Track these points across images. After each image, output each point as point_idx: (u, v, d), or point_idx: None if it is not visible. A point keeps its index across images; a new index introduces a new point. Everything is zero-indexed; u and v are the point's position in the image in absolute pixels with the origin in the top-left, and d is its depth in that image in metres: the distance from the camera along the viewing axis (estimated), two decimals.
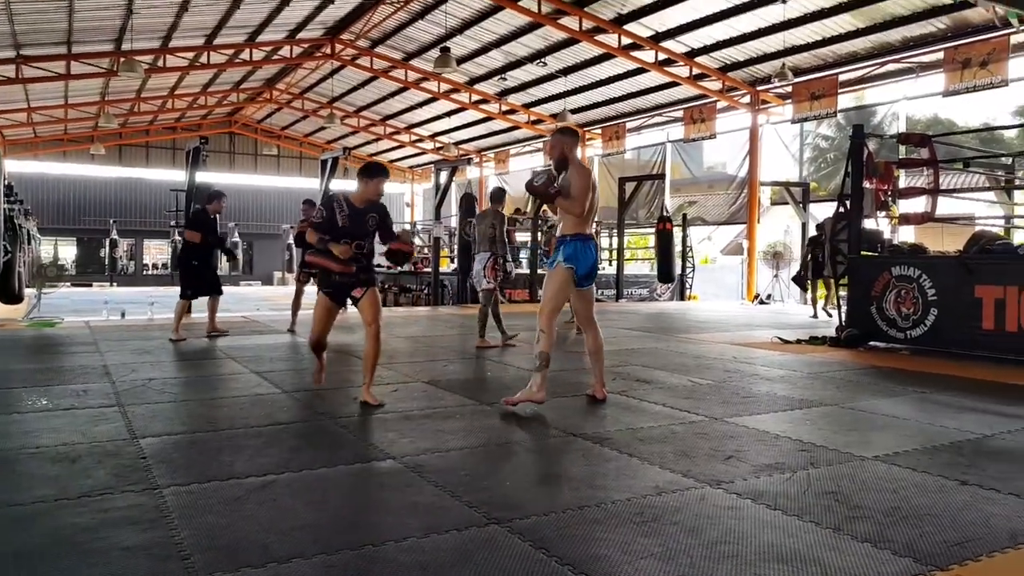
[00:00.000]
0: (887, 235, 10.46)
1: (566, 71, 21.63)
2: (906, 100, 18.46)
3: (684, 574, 2.62)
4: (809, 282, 15.45)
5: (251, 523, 3.06)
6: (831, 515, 3.22)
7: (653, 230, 20.06)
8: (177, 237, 26.25)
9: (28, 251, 15.86)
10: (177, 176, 29.41)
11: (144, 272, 38.51)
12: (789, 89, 18.82)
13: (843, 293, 10.25)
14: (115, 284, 31.83)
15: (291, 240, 11.12)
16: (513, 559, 2.75)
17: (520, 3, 17.89)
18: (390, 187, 36.88)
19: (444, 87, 25.22)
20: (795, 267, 18.25)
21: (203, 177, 12.60)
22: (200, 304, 10.13)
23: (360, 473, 3.84)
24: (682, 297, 20.23)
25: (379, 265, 22.74)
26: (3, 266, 12.10)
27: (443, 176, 17.57)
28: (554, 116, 23.59)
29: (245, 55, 23.55)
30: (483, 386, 6.33)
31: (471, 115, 27.42)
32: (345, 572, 2.63)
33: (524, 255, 19.98)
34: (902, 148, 11.13)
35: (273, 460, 3.98)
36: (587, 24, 18.39)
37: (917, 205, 10.13)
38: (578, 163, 5.42)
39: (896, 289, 8.96)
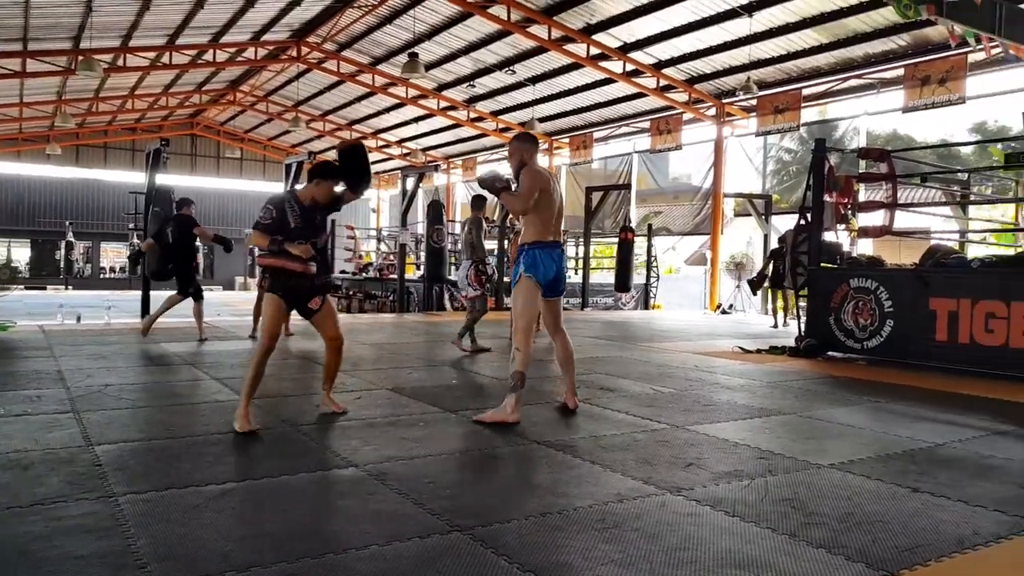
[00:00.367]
0: (846, 248, 10.64)
1: (535, 79, 21.72)
2: (867, 115, 18.79)
3: None
4: (768, 290, 15.73)
5: (210, 531, 3.03)
6: (787, 521, 3.27)
7: (616, 239, 20.20)
8: (136, 240, 25.93)
9: None
10: (137, 178, 28.96)
11: (101, 275, 37.80)
12: (754, 102, 19.07)
13: (803, 304, 10.39)
14: (71, 287, 31.23)
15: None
16: (475, 566, 2.76)
17: (489, 10, 17.93)
18: None
19: (412, 93, 25.18)
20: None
21: (164, 179, 12.38)
22: (179, 310, 10.12)
23: (322, 481, 3.82)
24: (646, 306, 20.39)
25: (343, 271, 22.70)
26: None
27: (410, 182, 17.51)
28: (522, 124, 23.66)
29: (208, 56, 23.34)
30: (448, 394, 6.32)
31: (439, 121, 27.41)
32: None
33: (491, 262, 19.99)
34: (862, 162, 11.32)
35: (233, 468, 3.96)
36: (556, 33, 18.49)
37: (876, 218, 10.30)
38: (533, 168, 5.27)
39: (854, 300, 9.12)
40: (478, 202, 9.49)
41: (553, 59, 20.17)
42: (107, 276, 37.80)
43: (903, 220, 11.16)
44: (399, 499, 3.49)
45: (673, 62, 19.10)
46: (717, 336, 12.10)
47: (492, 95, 23.97)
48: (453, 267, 20.86)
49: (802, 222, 9.99)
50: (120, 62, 22.03)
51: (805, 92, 18.22)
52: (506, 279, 15.83)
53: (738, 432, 5.04)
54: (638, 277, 20.96)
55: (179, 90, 28.65)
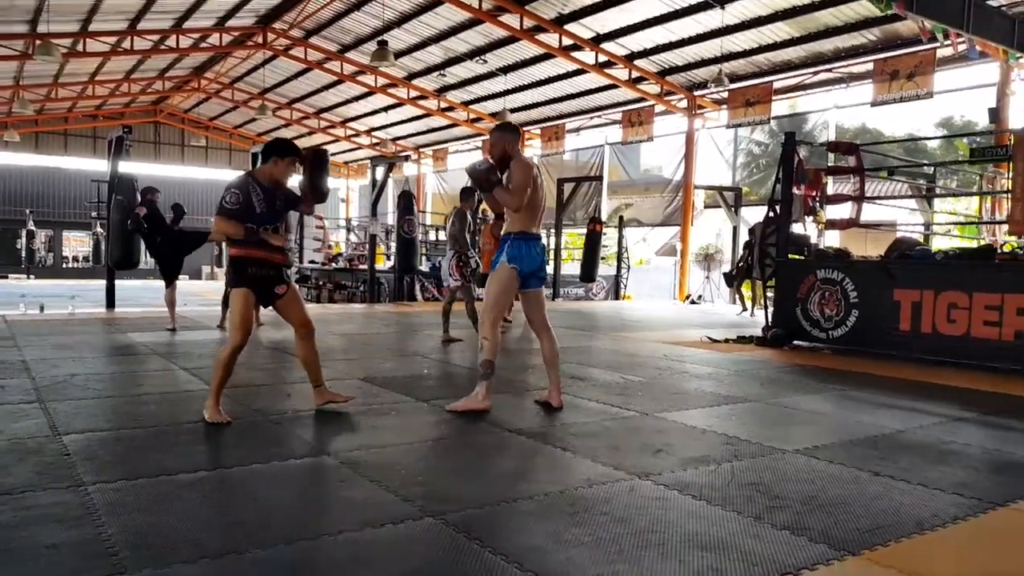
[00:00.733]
0: (814, 239, 10.77)
1: (506, 70, 21.65)
2: (836, 109, 19.01)
3: (612, 561, 2.71)
4: (738, 281, 15.95)
5: (182, 520, 3.02)
6: (752, 505, 3.34)
7: (585, 231, 20.30)
8: (99, 229, 25.51)
9: None
10: (99, 166, 28.57)
11: (64, 265, 37.24)
12: (725, 95, 19.16)
13: (770, 294, 10.51)
14: (32, 277, 30.76)
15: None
16: (448, 551, 2.80)
17: None
18: None
19: (381, 81, 24.96)
20: (727, 268, 18.66)
21: (126, 168, 12.21)
22: (153, 298, 9.99)
23: (294, 469, 3.82)
24: (617, 296, 20.50)
25: (313, 261, 22.55)
26: None
27: (380, 172, 17.41)
28: (493, 115, 23.64)
29: (171, 42, 22.81)
30: (419, 383, 6.34)
31: (409, 111, 27.19)
32: (279, 567, 2.64)
33: (473, 254, 19.98)
34: (831, 156, 11.45)
35: (204, 456, 3.95)
36: (528, 23, 18.45)
37: (843, 211, 10.45)
38: (523, 160, 5.14)
39: (820, 291, 9.25)
40: (465, 194, 9.47)
41: (525, 49, 20.11)
42: (70, 266, 37.23)
43: (870, 213, 11.36)
44: (372, 486, 3.51)
45: (645, 54, 19.15)
46: (686, 326, 12.21)
47: (463, 85, 23.85)
48: (424, 258, 20.84)
49: (771, 214, 10.10)
50: (80, 47, 21.48)
51: (776, 85, 18.36)
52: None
53: (706, 419, 5.12)
54: (608, 268, 21.07)
55: (141, 76, 28.08)
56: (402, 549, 2.80)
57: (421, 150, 31.73)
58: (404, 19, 19.66)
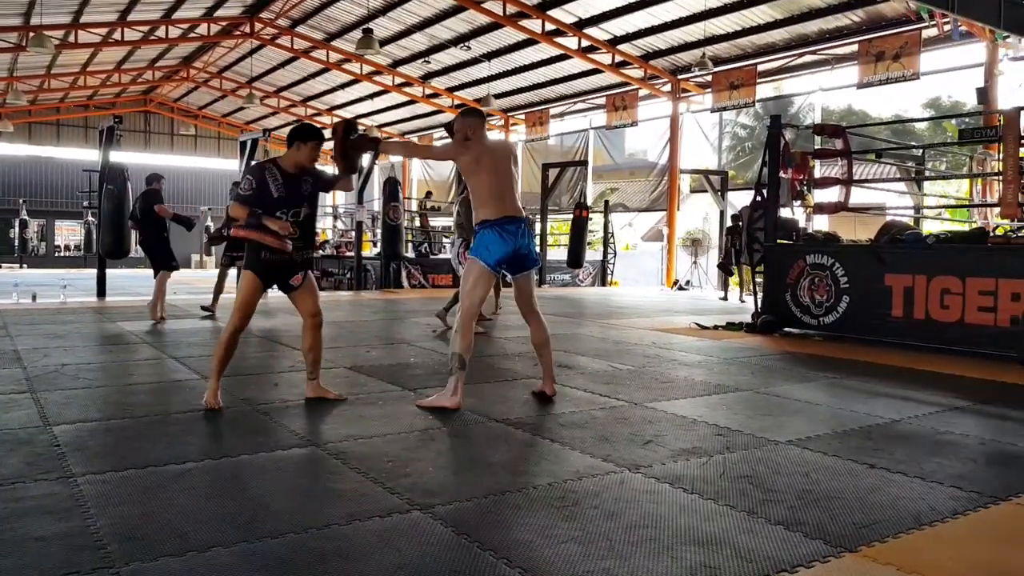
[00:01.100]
0: (802, 224, 10.75)
1: (490, 56, 21.59)
2: (822, 91, 18.99)
3: (603, 557, 2.66)
4: (734, 267, 16.01)
5: (170, 512, 3.00)
6: (746, 499, 3.30)
7: (571, 217, 20.24)
8: (91, 218, 25.36)
9: None
10: (90, 155, 28.37)
11: (56, 254, 37.06)
12: (709, 78, 19.14)
13: (759, 280, 10.49)
14: (25, 266, 30.60)
15: (211, 234, 11.11)
16: (435, 545, 2.76)
17: None
18: None
19: (367, 69, 24.94)
20: (714, 254, 18.69)
21: (117, 157, 12.19)
22: (143, 287, 9.94)
23: (282, 460, 3.78)
24: (603, 283, 20.47)
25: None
26: None
27: (366, 159, 17.29)
28: (478, 101, 23.54)
29: (161, 32, 22.89)
30: (406, 372, 6.29)
31: (394, 98, 27.17)
32: (266, 560, 2.60)
33: (447, 241, 19.94)
34: (817, 138, 11.42)
35: (192, 448, 3.91)
36: (511, 9, 18.39)
37: (831, 194, 10.41)
38: (470, 143, 4.93)
39: (810, 277, 9.22)
40: None
41: (508, 35, 20.06)
42: (62, 254, 37.07)
43: (858, 196, 11.32)
44: (359, 478, 3.47)
45: (628, 38, 19.10)
46: (674, 312, 12.19)
47: (447, 71, 23.81)
48: (410, 244, 20.77)
49: (758, 198, 10.06)
50: (71, 38, 21.57)
51: (760, 68, 18.33)
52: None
53: (696, 409, 5.09)
54: (595, 254, 21.04)
55: (132, 67, 28.13)
56: (389, 543, 2.76)
57: (406, 136, 31.61)
58: (389, 7, 19.60)
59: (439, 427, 4.49)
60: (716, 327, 9.97)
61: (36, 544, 2.68)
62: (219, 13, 22.17)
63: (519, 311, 5.28)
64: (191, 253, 35.67)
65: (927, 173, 13.59)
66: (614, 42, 19.43)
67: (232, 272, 10.42)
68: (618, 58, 19.98)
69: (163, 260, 9.69)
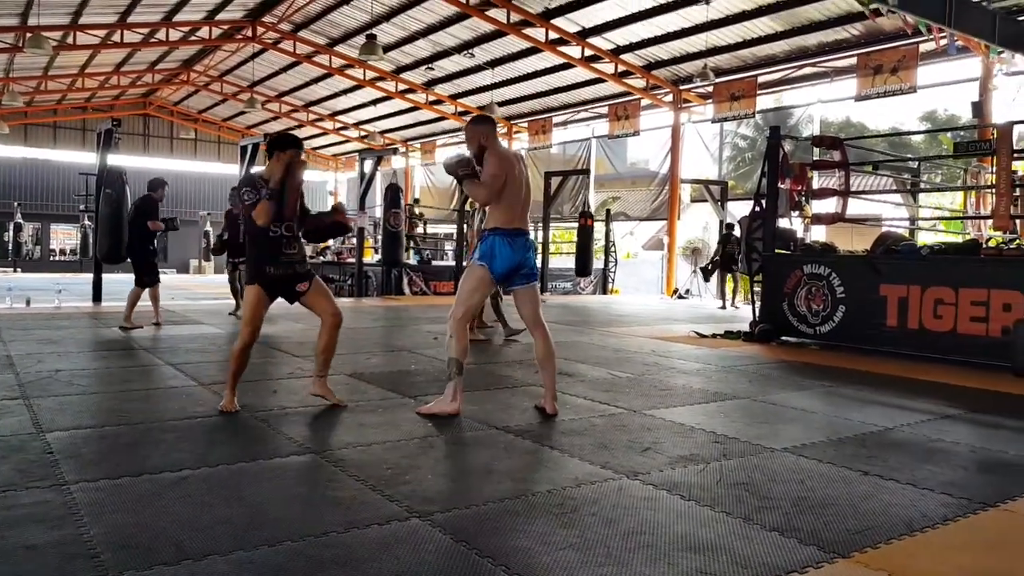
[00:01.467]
0: (800, 234, 10.78)
1: (493, 63, 21.64)
2: (821, 103, 19.06)
3: (601, 564, 2.68)
4: (718, 274, 16.15)
5: (165, 520, 2.99)
6: (742, 505, 3.33)
7: (576, 225, 20.29)
8: (87, 222, 25.36)
9: None
10: (87, 158, 28.39)
11: (51, 258, 36.94)
12: (710, 89, 19.20)
13: (757, 289, 10.52)
14: (19, 270, 30.48)
15: (212, 247, 11.15)
16: (434, 552, 2.77)
17: None
18: (313, 175, 35.63)
19: (370, 75, 24.93)
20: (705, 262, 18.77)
21: (115, 160, 12.15)
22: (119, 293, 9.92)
23: (279, 468, 3.78)
24: (604, 291, 20.51)
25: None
26: None
27: (368, 165, 17.35)
28: (481, 108, 23.59)
29: (161, 35, 22.80)
30: (407, 379, 6.31)
31: (397, 104, 27.17)
32: (263, 569, 2.60)
33: (450, 247, 19.98)
34: (816, 150, 11.48)
35: (188, 455, 3.90)
36: (515, 17, 18.43)
37: (829, 205, 10.46)
38: (498, 151, 4.92)
39: (807, 286, 9.26)
40: None
41: (512, 43, 20.11)
42: (57, 259, 36.96)
43: (855, 207, 11.35)
44: (357, 485, 3.48)
45: (631, 48, 19.16)
46: (673, 321, 12.22)
47: (451, 78, 23.84)
48: (412, 252, 20.79)
49: (757, 208, 10.10)
50: (70, 40, 21.48)
51: (760, 79, 18.40)
52: (465, 264, 15.81)
53: (694, 416, 5.11)
54: (596, 262, 21.07)
55: (131, 69, 28.03)
56: (387, 550, 2.77)
57: (409, 143, 31.67)
58: (393, 13, 19.63)
59: (438, 434, 4.50)
60: (714, 336, 10.01)
61: (28, 553, 2.67)
62: (221, 16, 22.11)
63: (524, 324, 5.21)
64: (190, 258, 35.71)
65: (922, 185, 13.63)
66: (617, 52, 19.50)
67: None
68: (620, 68, 20.05)
69: (140, 275, 9.46)
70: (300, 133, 31.81)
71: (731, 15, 16.25)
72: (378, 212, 21.86)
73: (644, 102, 21.25)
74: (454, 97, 25.49)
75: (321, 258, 22.50)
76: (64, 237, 37.88)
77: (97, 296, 12.60)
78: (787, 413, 5.37)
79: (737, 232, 15.59)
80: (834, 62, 17.17)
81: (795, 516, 3.21)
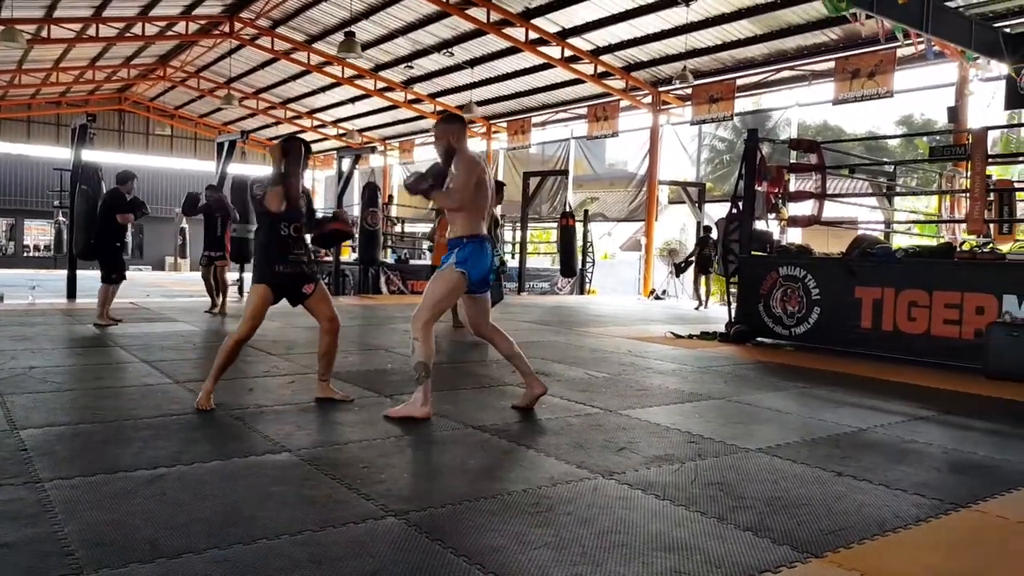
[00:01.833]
0: (776, 236, 10.86)
1: (473, 62, 21.63)
2: (799, 106, 19.19)
3: (575, 563, 2.69)
4: (693, 275, 16.35)
5: (139, 518, 2.97)
6: (716, 505, 3.35)
7: (555, 225, 20.33)
8: (62, 218, 25.10)
9: None
10: (61, 154, 28.12)
11: (25, 254, 36.55)
12: (689, 91, 19.30)
13: (733, 291, 10.59)
14: None
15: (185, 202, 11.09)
16: (409, 551, 2.77)
17: None
18: None
19: (348, 72, 24.84)
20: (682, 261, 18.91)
21: (90, 156, 12.03)
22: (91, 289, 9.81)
23: (255, 466, 3.76)
24: (582, 291, 20.55)
25: None
26: None
27: (346, 163, 17.28)
28: (460, 107, 23.56)
29: (137, 29, 22.59)
30: (383, 378, 6.30)
31: (376, 102, 27.09)
32: (238, 567, 2.59)
33: (499, 253, 19.94)
34: (793, 153, 11.56)
35: (163, 453, 3.87)
36: (495, 16, 18.44)
37: (805, 208, 10.54)
38: (467, 155, 4.81)
39: (783, 288, 9.33)
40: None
41: (492, 42, 20.12)
42: (31, 255, 36.56)
43: (831, 210, 11.46)
44: (333, 484, 3.47)
45: (610, 49, 19.22)
46: (650, 321, 12.27)
47: (430, 77, 23.80)
48: (389, 250, 20.75)
49: (734, 210, 10.17)
50: (44, 33, 21.23)
51: (739, 82, 18.52)
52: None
53: (669, 416, 5.14)
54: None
55: (106, 64, 27.77)
56: (363, 549, 2.76)
57: (387, 142, 31.57)
58: (372, 10, 19.58)
59: (414, 433, 4.49)
60: (691, 336, 10.06)
61: (1, 551, 2.64)
62: (198, 11, 21.96)
63: (475, 331, 5.12)
64: (165, 255, 35.41)
65: (898, 189, 13.77)
66: (596, 52, 19.55)
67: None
68: (600, 68, 20.10)
69: (107, 271, 9.33)
70: (278, 131, 31.75)
71: (710, 17, 16.35)
72: (356, 211, 21.82)
73: (623, 103, 21.32)
74: (433, 96, 25.44)
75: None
76: (38, 233, 37.45)
77: (72, 292, 12.49)
78: (762, 414, 5.41)
79: (715, 235, 15.74)
80: (812, 66, 17.31)
81: (769, 516, 3.23)
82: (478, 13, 18.46)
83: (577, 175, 24.38)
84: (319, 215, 5.36)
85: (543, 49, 19.58)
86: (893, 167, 14.37)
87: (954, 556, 2.95)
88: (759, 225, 10.12)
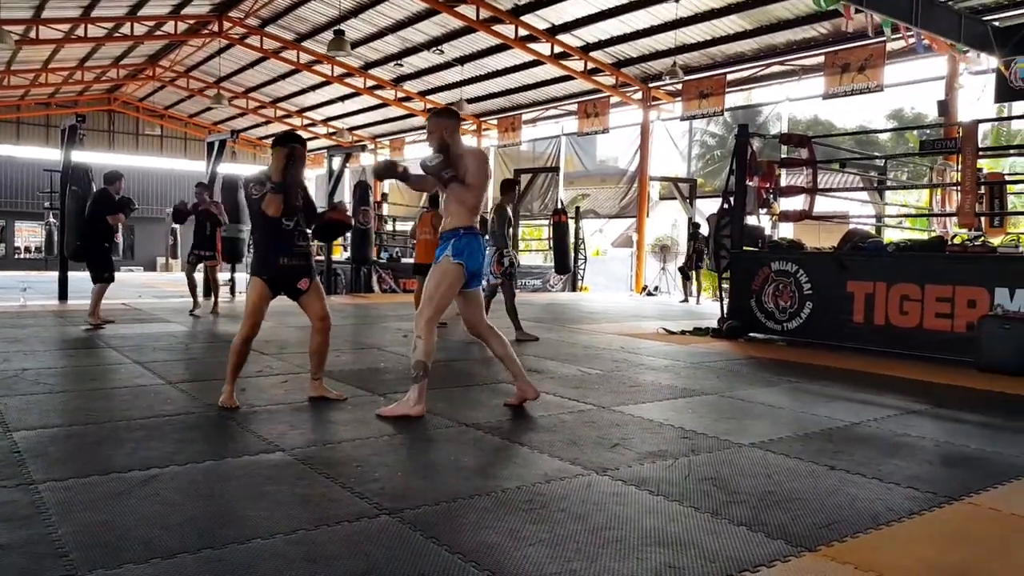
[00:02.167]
0: (768, 231, 10.88)
1: (463, 60, 21.58)
2: (789, 101, 19.22)
3: (570, 559, 2.69)
4: (693, 272, 16.36)
5: (133, 519, 2.97)
6: (710, 500, 3.36)
7: (547, 222, 20.33)
8: (52, 219, 25.00)
9: None
10: (51, 155, 27.95)
11: (16, 255, 36.38)
12: (679, 87, 19.30)
13: (725, 286, 10.61)
14: None
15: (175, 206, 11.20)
16: (403, 549, 2.77)
17: None
18: None
19: (338, 71, 24.79)
20: (682, 260, 18.94)
21: (80, 157, 11.98)
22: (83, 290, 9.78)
23: (248, 466, 3.75)
24: (574, 288, 20.56)
25: None
26: None
27: (336, 162, 17.24)
28: (450, 105, 23.50)
29: (126, 29, 22.50)
30: (376, 377, 6.30)
31: (366, 100, 27.03)
32: (232, 566, 2.58)
33: (509, 252, 19.91)
34: (784, 147, 11.59)
35: (157, 453, 3.87)
36: (484, 13, 18.41)
37: (796, 203, 10.57)
38: (475, 151, 4.88)
39: (775, 283, 9.35)
40: (504, 187, 9.26)
41: (481, 40, 20.08)
42: (22, 256, 36.39)
43: (823, 204, 11.48)
44: (327, 483, 3.47)
45: (600, 45, 19.21)
46: (643, 317, 12.29)
47: (420, 75, 23.75)
48: (381, 249, 20.72)
49: (725, 206, 10.18)
50: (32, 34, 21.14)
51: (729, 77, 18.52)
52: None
53: (662, 412, 5.15)
54: None
55: (95, 64, 27.63)
56: (357, 548, 2.76)
57: (378, 140, 31.52)
58: (361, 8, 19.52)
59: (408, 432, 4.49)
60: (683, 332, 10.07)
61: None
62: (186, 11, 21.86)
63: (470, 329, 5.11)
64: (156, 256, 35.28)
65: (889, 183, 13.80)
66: (586, 49, 19.54)
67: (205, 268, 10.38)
68: (590, 65, 20.10)
69: (96, 272, 9.33)
70: (268, 130, 31.67)
71: (700, 13, 16.34)
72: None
73: (613, 99, 21.32)
74: (423, 94, 25.40)
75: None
76: (29, 234, 37.27)
77: (63, 294, 12.46)
78: (755, 409, 5.42)
79: (704, 231, 15.80)
80: (802, 60, 17.33)
81: (762, 511, 3.24)
82: (467, 10, 18.43)
83: (568, 172, 24.35)
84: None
85: (533, 46, 19.55)
86: (884, 161, 14.40)
87: (948, 549, 2.95)
88: (750, 220, 10.14)
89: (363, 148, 25.46)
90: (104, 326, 9.03)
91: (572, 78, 20.97)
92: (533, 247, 25.73)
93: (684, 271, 17.58)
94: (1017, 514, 3.34)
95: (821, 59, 16.41)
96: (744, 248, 9.92)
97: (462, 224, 4.80)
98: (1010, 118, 15.38)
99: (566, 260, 19.01)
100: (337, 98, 27.48)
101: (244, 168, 29.82)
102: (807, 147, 10.26)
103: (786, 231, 13.00)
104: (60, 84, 30.25)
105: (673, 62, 17.53)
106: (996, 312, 7.45)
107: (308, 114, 30.69)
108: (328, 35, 19.69)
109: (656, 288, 20.28)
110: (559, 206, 19.83)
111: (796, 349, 8.75)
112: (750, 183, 9.90)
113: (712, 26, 16.91)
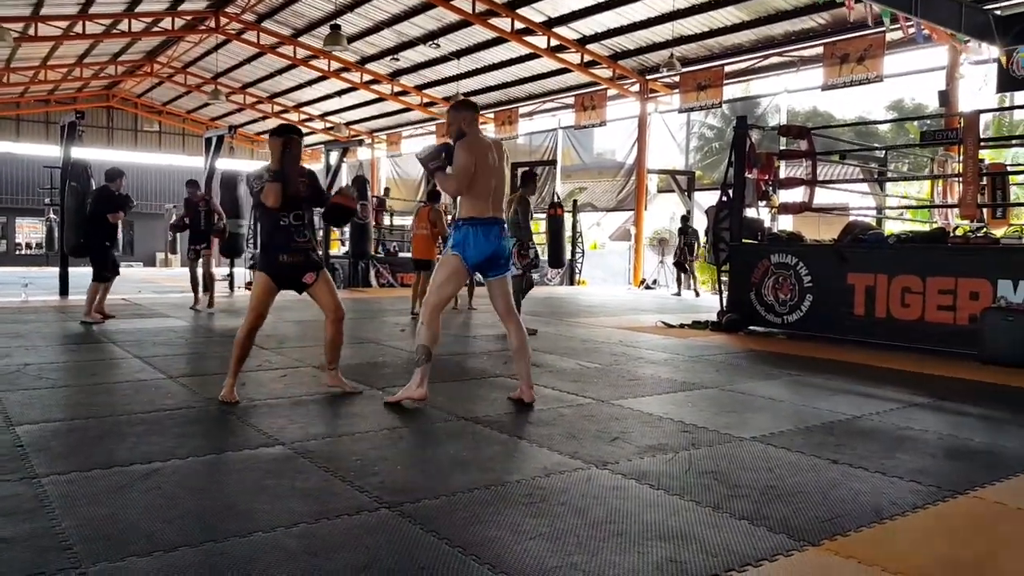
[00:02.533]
0: (767, 224, 10.86)
1: (459, 54, 21.54)
2: (788, 93, 19.16)
3: (570, 553, 2.69)
4: (688, 265, 16.40)
5: (136, 512, 2.98)
6: (711, 494, 3.35)
7: (544, 215, 20.28)
8: (52, 215, 25.00)
9: None
10: (51, 151, 27.92)
11: (16, 252, 36.38)
12: (677, 79, 19.24)
13: (725, 279, 10.59)
14: None
15: (172, 223, 11.33)
16: (403, 542, 2.76)
17: None
18: None
19: (335, 66, 24.75)
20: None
21: (79, 153, 11.99)
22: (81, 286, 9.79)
23: (249, 460, 3.76)
24: (572, 281, 20.54)
25: None
26: None
27: (333, 156, 17.19)
28: (447, 99, 23.47)
29: (124, 26, 22.47)
30: (375, 371, 6.29)
31: (362, 95, 26.99)
32: (234, 559, 2.59)
33: (532, 244, 19.87)
34: (783, 139, 11.56)
35: (158, 447, 3.87)
36: (480, 7, 18.35)
37: (796, 195, 10.53)
38: (470, 140, 4.88)
39: (774, 276, 9.33)
40: (524, 179, 9.26)
41: (478, 33, 20.02)
42: (23, 252, 36.37)
43: (822, 196, 11.45)
44: (327, 477, 3.47)
45: (597, 38, 19.16)
46: (641, 311, 12.28)
47: (416, 69, 23.70)
48: (378, 243, 20.69)
49: (724, 198, 10.16)
50: (31, 31, 21.13)
51: (727, 69, 18.47)
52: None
53: (662, 406, 5.14)
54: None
55: (94, 61, 27.61)
56: (358, 541, 2.76)
57: (375, 134, 31.46)
58: (357, 3, 19.47)
59: (407, 425, 4.49)
60: (682, 325, 10.06)
61: (0, 546, 2.65)
62: (183, 7, 21.84)
63: (497, 315, 5.18)
64: (156, 251, 35.25)
65: (889, 174, 13.78)
66: (583, 41, 19.49)
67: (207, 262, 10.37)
68: (587, 57, 20.05)
69: (98, 270, 9.35)
70: (265, 125, 31.58)
71: (697, 4, 16.28)
72: None
73: (611, 92, 21.27)
74: (420, 88, 25.35)
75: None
76: (30, 231, 37.23)
77: (64, 290, 12.48)
78: (755, 402, 5.41)
79: (696, 224, 15.83)
80: (801, 51, 17.27)
81: (764, 504, 3.23)
82: (463, 4, 18.37)
83: (565, 165, 24.31)
84: None
85: (529, 39, 19.50)
86: (884, 152, 14.37)
87: (953, 543, 2.94)
88: (750, 213, 10.12)
89: (360, 143, 25.40)
90: (104, 321, 9.03)
91: (569, 71, 20.92)
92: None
93: (680, 264, 17.59)
94: (1023, 508, 3.32)
95: (820, 50, 16.37)
96: (743, 241, 9.90)
97: (462, 215, 4.92)
98: (1012, 108, 15.34)
99: (560, 254, 18.98)
100: (334, 93, 27.40)
101: (242, 164, 29.79)
102: (806, 138, 10.23)
103: (786, 223, 12.98)
104: (59, 81, 30.18)
105: (670, 54, 17.47)
106: (999, 304, 7.43)
107: (305, 109, 30.64)
108: (324, 30, 19.65)
109: (655, 281, 20.26)
110: (555, 199, 19.79)
111: (796, 342, 8.73)
112: (749, 175, 9.88)
113: (710, 17, 16.86)
